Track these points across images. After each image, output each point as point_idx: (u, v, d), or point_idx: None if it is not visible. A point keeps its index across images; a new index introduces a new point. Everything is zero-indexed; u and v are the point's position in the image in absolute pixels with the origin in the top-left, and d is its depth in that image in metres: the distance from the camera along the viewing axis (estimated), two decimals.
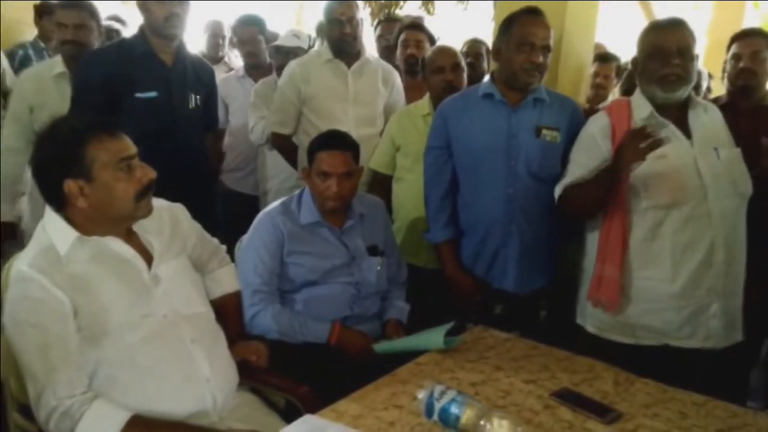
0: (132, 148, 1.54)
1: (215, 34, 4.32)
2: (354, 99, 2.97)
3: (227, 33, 4.36)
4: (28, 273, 1.45)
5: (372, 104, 3.03)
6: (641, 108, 2.11)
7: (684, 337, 2.06)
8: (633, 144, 1.90)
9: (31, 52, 4.29)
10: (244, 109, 3.49)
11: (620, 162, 1.96)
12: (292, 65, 3.04)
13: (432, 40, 3.48)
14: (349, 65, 2.98)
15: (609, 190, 2.03)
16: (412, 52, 3.34)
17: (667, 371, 1.84)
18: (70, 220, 1.52)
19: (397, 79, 3.16)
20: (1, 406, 1.68)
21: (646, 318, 2.08)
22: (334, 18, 2.89)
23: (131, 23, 4.73)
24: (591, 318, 2.18)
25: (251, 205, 3.46)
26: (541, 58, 2.24)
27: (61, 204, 1.51)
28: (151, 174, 1.55)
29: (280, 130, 3.10)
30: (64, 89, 2.78)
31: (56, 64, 2.89)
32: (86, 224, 1.52)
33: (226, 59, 4.47)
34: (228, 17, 4.43)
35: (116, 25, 4.30)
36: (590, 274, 2.15)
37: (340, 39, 2.92)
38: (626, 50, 4.35)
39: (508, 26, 2.29)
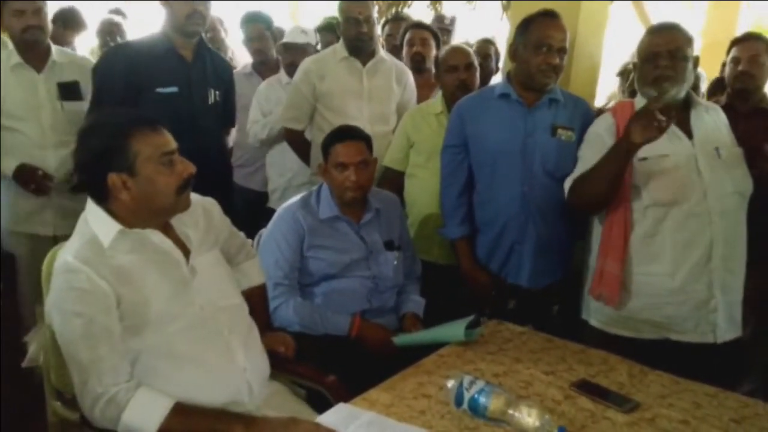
0: (173, 143, 1.56)
1: None
2: (368, 96, 2.99)
3: (217, 25, 4.33)
4: (74, 264, 1.47)
5: (386, 102, 3.05)
6: None
7: (684, 331, 2.10)
8: (642, 121, 1.87)
9: None
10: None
11: (630, 138, 1.90)
12: (308, 62, 3.05)
13: (437, 38, 3.52)
14: (363, 63, 2.99)
15: (618, 175, 2.00)
16: (418, 50, 3.40)
17: (668, 366, 1.87)
18: (112, 213, 1.54)
19: (410, 78, 3.18)
20: (40, 394, 1.72)
21: (648, 312, 2.12)
22: (351, 17, 2.90)
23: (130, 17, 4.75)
24: (594, 312, 2.22)
25: (259, 201, 3.48)
26: (557, 60, 2.27)
27: (104, 197, 1.53)
28: (191, 168, 1.57)
29: (293, 125, 3.12)
30: (23, 79, 2.74)
31: (11, 55, 2.77)
32: (128, 217, 1.54)
33: (230, 55, 4.48)
34: (227, 16, 4.43)
35: (117, 19, 4.32)
36: (594, 269, 2.18)
37: (357, 38, 2.93)
38: (628, 51, 4.43)
39: (525, 28, 2.32)
